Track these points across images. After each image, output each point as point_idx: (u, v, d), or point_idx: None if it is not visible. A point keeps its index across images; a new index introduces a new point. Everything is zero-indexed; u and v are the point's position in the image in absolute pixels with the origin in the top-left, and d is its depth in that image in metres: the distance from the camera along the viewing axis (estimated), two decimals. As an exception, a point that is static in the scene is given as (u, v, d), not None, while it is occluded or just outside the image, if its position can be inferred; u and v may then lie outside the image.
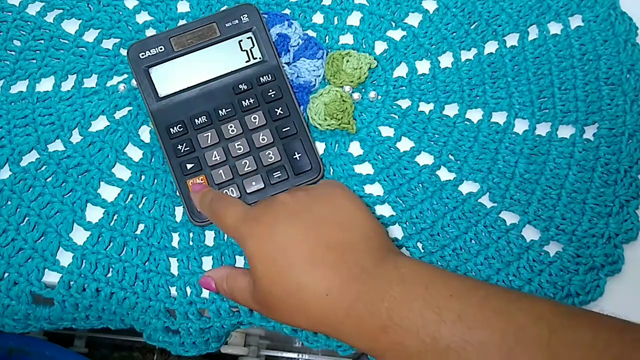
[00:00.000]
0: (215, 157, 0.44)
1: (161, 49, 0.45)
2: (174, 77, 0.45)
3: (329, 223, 0.36)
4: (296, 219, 0.36)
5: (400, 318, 0.32)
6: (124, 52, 0.48)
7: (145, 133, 0.47)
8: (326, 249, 0.35)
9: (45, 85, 0.48)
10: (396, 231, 0.44)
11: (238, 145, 0.44)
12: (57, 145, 0.46)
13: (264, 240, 0.36)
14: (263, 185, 0.43)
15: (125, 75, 0.48)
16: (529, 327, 0.30)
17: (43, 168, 0.45)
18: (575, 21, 0.49)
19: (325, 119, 0.45)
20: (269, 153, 0.44)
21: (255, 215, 0.37)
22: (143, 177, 0.45)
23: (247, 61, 0.45)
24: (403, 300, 0.33)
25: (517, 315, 0.31)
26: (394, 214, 0.45)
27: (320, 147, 0.46)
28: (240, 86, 0.45)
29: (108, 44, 0.49)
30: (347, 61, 0.47)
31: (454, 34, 0.49)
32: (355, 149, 0.46)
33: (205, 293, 0.43)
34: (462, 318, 0.31)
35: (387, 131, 0.47)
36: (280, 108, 0.45)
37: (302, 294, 0.34)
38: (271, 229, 0.36)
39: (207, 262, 0.43)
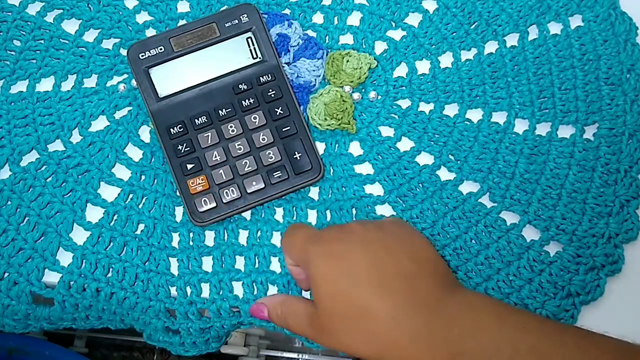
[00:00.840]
0: (215, 157, 0.44)
1: (161, 49, 0.45)
2: (174, 77, 0.45)
3: (398, 253, 0.36)
4: (367, 246, 0.36)
5: (473, 344, 0.32)
6: (124, 52, 0.48)
7: (145, 133, 0.47)
8: (395, 276, 0.35)
9: (45, 85, 0.48)
10: (396, 231, 0.44)
11: (238, 145, 0.44)
12: (57, 145, 0.46)
13: (333, 260, 0.36)
14: (263, 185, 0.43)
15: (125, 75, 0.48)
16: None
17: (43, 168, 0.45)
18: (575, 21, 0.49)
19: (325, 119, 0.45)
20: (269, 153, 0.44)
21: (326, 237, 0.37)
22: (143, 177, 0.45)
23: (247, 61, 0.45)
24: (475, 328, 0.33)
25: (590, 350, 0.31)
26: (395, 214, 0.45)
27: (320, 147, 0.46)
28: (240, 86, 0.45)
29: (108, 44, 0.49)
30: (347, 61, 0.47)
31: (454, 34, 0.49)
32: (355, 149, 0.46)
33: (206, 293, 0.43)
34: (536, 350, 0.32)
35: (387, 131, 0.47)
36: (280, 108, 0.45)
37: (367, 317, 0.34)
38: (341, 251, 0.36)
39: (207, 262, 0.43)
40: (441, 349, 0.33)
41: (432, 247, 0.39)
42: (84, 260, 0.43)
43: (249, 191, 0.43)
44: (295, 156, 0.44)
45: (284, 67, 0.46)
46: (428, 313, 0.34)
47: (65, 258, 0.43)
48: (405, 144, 0.46)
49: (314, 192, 0.45)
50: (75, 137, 0.46)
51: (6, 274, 0.43)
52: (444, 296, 0.35)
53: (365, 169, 0.46)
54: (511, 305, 0.38)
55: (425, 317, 0.34)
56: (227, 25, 0.45)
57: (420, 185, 0.45)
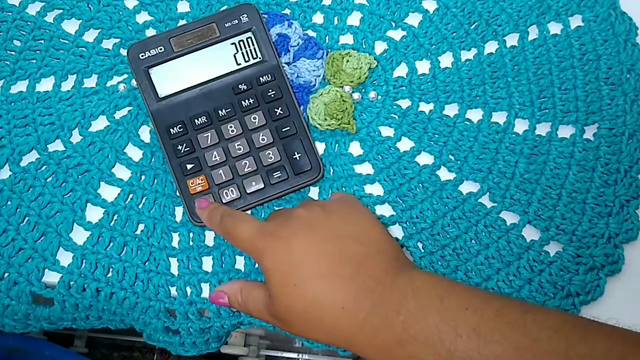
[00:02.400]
0: (215, 157, 0.44)
1: (161, 49, 0.45)
2: (173, 77, 0.45)
3: (344, 236, 0.37)
4: (313, 232, 0.37)
5: (416, 331, 0.32)
6: (124, 52, 0.48)
7: (145, 133, 0.47)
8: (342, 261, 0.35)
9: (45, 85, 0.48)
10: (396, 231, 0.44)
11: (238, 145, 0.44)
12: (57, 145, 0.46)
13: (281, 254, 0.36)
14: (263, 186, 0.43)
15: (125, 75, 0.48)
16: (544, 341, 0.30)
17: (43, 168, 0.45)
18: (575, 21, 0.49)
19: (325, 119, 0.45)
20: (269, 153, 0.44)
21: (271, 230, 0.37)
22: (143, 177, 0.45)
23: (247, 61, 0.45)
24: (419, 314, 0.33)
25: (532, 329, 0.31)
26: (394, 213, 0.45)
27: (320, 147, 0.46)
28: (240, 86, 0.45)
29: (108, 44, 0.49)
30: (347, 61, 0.47)
31: (454, 34, 0.49)
32: (355, 149, 0.46)
33: (206, 293, 0.43)
34: (478, 331, 0.31)
35: (387, 131, 0.47)
36: (280, 108, 0.45)
37: (318, 308, 0.35)
38: (288, 243, 0.36)
39: (207, 262, 0.43)
40: (388, 335, 0.33)
41: (380, 225, 0.38)
42: (84, 260, 0.43)
43: (248, 191, 0.43)
44: (295, 156, 0.44)
45: (284, 67, 0.46)
46: (374, 299, 0.34)
47: (65, 258, 0.43)
48: (405, 144, 0.46)
49: (314, 192, 0.45)
50: (75, 137, 0.46)
51: (6, 274, 0.43)
52: (391, 279, 0.35)
53: (365, 169, 0.46)
54: (459, 283, 0.37)
55: (370, 304, 0.34)
56: (227, 25, 0.45)
57: (420, 185, 0.45)
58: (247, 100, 0.44)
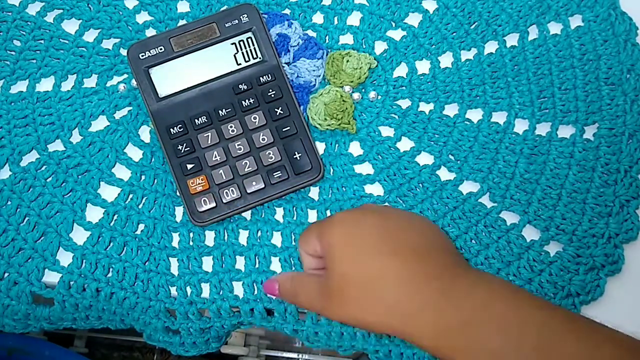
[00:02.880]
0: (215, 157, 0.44)
1: (161, 49, 0.45)
2: (174, 77, 0.45)
3: (412, 229, 0.37)
4: (381, 217, 0.37)
5: (485, 316, 0.32)
6: (124, 52, 0.48)
7: (145, 133, 0.47)
8: (407, 247, 0.35)
9: (45, 85, 0.48)
10: (396, 231, 0.44)
11: (238, 145, 0.44)
12: (57, 145, 0.46)
13: (350, 227, 0.36)
14: (263, 185, 0.43)
15: (125, 75, 0.48)
16: (608, 350, 0.31)
17: (43, 168, 0.45)
18: (575, 21, 0.49)
19: (325, 119, 0.45)
20: (269, 153, 0.44)
21: (340, 213, 0.38)
22: (143, 177, 0.45)
23: (247, 61, 0.45)
24: (489, 300, 0.33)
25: (603, 346, 0.32)
26: (394, 214, 0.45)
27: (320, 147, 0.46)
28: (240, 86, 0.45)
29: (108, 44, 0.49)
30: (347, 61, 0.47)
31: (454, 34, 0.49)
32: (355, 149, 0.46)
33: (206, 293, 0.43)
34: (547, 327, 0.32)
35: (387, 131, 0.47)
36: (280, 108, 0.45)
37: (380, 283, 0.34)
38: (358, 218, 0.37)
39: (207, 262, 0.43)
40: (453, 317, 0.33)
41: (444, 233, 0.39)
42: (84, 260, 0.43)
43: (249, 191, 0.43)
44: (295, 156, 0.44)
45: (284, 67, 0.46)
46: (442, 282, 0.34)
47: (65, 258, 0.43)
48: (405, 144, 0.46)
49: (314, 192, 0.45)
50: (75, 137, 0.46)
51: (6, 274, 0.43)
52: (458, 270, 0.35)
53: (365, 169, 0.46)
54: (524, 289, 0.38)
55: (439, 285, 0.34)
56: (227, 25, 0.45)
57: (420, 185, 0.45)
58: (247, 100, 0.44)
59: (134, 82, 0.47)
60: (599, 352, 0.31)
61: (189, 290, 0.43)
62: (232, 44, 0.45)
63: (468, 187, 0.45)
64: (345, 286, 0.35)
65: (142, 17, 0.49)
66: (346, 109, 0.46)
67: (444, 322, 0.33)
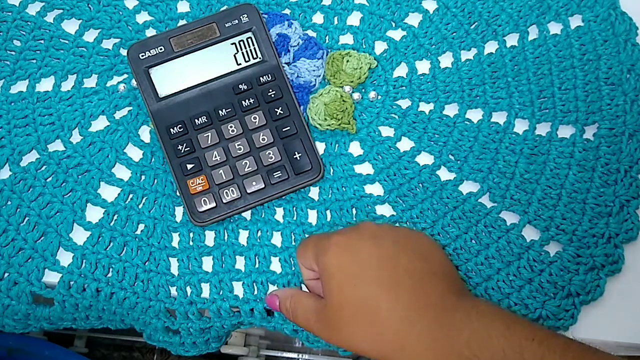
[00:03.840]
0: (215, 157, 0.44)
1: (161, 49, 0.45)
2: (174, 77, 0.45)
3: (410, 251, 0.37)
4: (378, 241, 0.37)
5: (481, 350, 0.32)
6: (124, 52, 0.48)
7: (145, 133, 0.47)
8: (405, 273, 0.35)
9: (45, 85, 0.48)
10: (396, 231, 0.44)
11: (238, 145, 0.44)
12: (57, 145, 0.46)
13: (344, 253, 0.36)
14: (263, 185, 0.43)
15: (125, 75, 0.48)
16: None
17: (43, 168, 0.45)
18: (575, 21, 0.49)
19: (325, 119, 0.45)
20: (269, 153, 0.44)
21: (338, 233, 0.38)
22: (143, 177, 0.45)
23: (247, 61, 0.45)
24: (484, 334, 0.33)
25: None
26: (394, 214, 0.44)
27: (320, 147, 0.46)
28: (240, 86, 0.45)
29: (108, 44, 0.49)
30: (347, 61, 0.47)
31: (454, 34, 0.49)
32: (355, 149, 0.46)
33: (206, 293, 0.43)
34: None
35: (387, 131, 0.47)
36: (280, 108, 0.45)
37: (374, 309, 0.34)
38: (352, 244, 0.36)
39: (207, 262, 0.43)
40: (447, 351, 0.33)
41: (443, 252, 0.39)
42: (84, 260, 0.43)
43: (249, 191, 0.43)
44: (295, 156, 0.44)
45: (284, 67, 0.46)
46: (436, 312, 0.34)
47: (65, 258, 0.43)
48: (405, 144, 0.46)
49: (314, 192, 0.45)
50: (75, 137, 0.46)
51: (6, 274, 0.43)
52: (454, 300, 0.35)
53: (365, 169, 0.46)
54: (519, 315, 0.38)
55: (433, 317, 0.34)
56: (227, 25, 0.45)
57: (420, 185, 0.45)
58: (247, 100, 0.44)
59: (134, 82, 0.47)
60: None
61: (189, 290, 0.43)
62: (232, 44, 0.45)
63: (468, 187, 0.45)
64: (340, 315, 0.35)
65: (142, 17, 0.49)
66: (346, 109, 0.46)
67: (438, 354, 0.33)
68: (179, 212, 0.45)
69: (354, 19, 0.49)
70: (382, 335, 0.34)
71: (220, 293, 0.43)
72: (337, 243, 0.37)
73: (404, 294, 0.34)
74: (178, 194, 0.44)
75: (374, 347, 0.35)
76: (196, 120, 0.44)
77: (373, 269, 0.35)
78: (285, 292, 0.41)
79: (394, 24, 0.49)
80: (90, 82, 0.48)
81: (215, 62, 0.45)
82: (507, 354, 0.32)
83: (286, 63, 0.47)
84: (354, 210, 0.45)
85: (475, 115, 0.47)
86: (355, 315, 0.35)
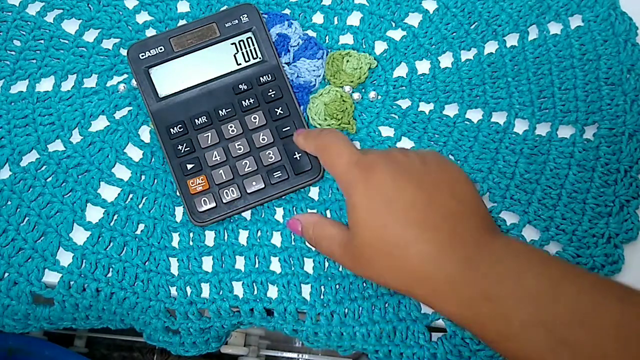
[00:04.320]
0: (215, 157, 0.44)
1: (161, 49, 0.45)
2: (174, 77, 0.45)
3: (442, 190, 0.35)
4: (410, 178, 0.35)
5: (510, 290, 0.31)
6: (124, 52, 0.48)
7: (145, 133, 0.47)
8: (435, 211, 0.34)
9: (45, 85, 0.48)
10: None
11: (238, 145, 0.44)
12: (57, 145, 0.46)
13: (375, 189, 0.35)
14: (263, 185, 0.43)
15: (125, 75, 0.48)
16: None
17: (43, 168, 0.45)
18: (575, 21, 0.49)
19: (325, 119, 0.45)
20: (269, 153, 0.44)
21: (370, 164, 0.36)
22: (143, 177, 0.45)
23: (247, 61, 0.45)
24: (516, 272, 0.32)
25: (635, 306, 0.30)
26: (394, 214, 0.44)
27: (320, 147, 0.46)
28: (240, 86, 0.45)
29: (108, 44, 0.49)
30: (347, 61, 0.47)
31: (454, 34, 0.49)
32: (416, 149, 0.46)
33: (206, 293, 0.43)
34: (578, 300, 0.31)
35: (387, 131, 0.47)
36: (280, 108, 0.45)
37: (404, 249, 0.33)
38: (384, 180, 0.35)
39: (207, 262, 0.43)
40: (477, 288, 0.32)
41: (474, 187, 0.37)
42: (84, 260, 0.43)
43: (249, 191, 0.43)
44: (295, 156, 0.44)
45: (284, 67, 0.46)
46: (466, 251, 0.33)
47: (65, 258, 0.43)
48: (405, 144, 0.46)
49: (314, 192, 0.45)
50: (75, 137, 0.46)
51: (6, 274, 0.43)
52: (487, 237, 0.34)
53: (365, 169, 0.46)
54: (555, 256, 0.36)
55: (463, 256, 0.33)
56: (227, 25, 0.45)
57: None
58: (247, 100, 0.44)
59: (134, 82, 0.47)
60: (630, 316, 0.30)
61: (189, 290, 0.43)
62: (232, 44, 0.45)
63: (468, 187, 0.45)
64: (367, 252, 0.34)
65: (142, 17, 0.49)
66: (346, 109, 0.46)
67: (468, 294, 0.32)
68: (179, 212, 0.45)
69: (354, 19, 0.49)
70: (410, 274, 0.33)
71: (220, 293, 0.43)
72: (368, 182, 0.35)
73: (434, 234, 0.33)
74: (178, 194, 0.44)
75: (403, 286, 0.34)
76: (196, 120, 0.44)
77: (403, 211, 0.34)
78: (308, 218, 0.40)
79: (394, 24, 0.49)
80: (90, 82, 0.48)
81: (215, 62, 0.45)
82: (540, 293, 0.31)
83: (286, 63, 0.47)
84: (354, 210, 0.45)
85: (475, 115, 0.47)
86: (383, 255, 0.34)
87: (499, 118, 0.47)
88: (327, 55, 0.48)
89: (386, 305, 0.42)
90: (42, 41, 0.48)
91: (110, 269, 0.43)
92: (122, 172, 0.46)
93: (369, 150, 0.38)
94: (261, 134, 0.44)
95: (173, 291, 0.43)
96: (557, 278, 0.32)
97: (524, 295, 0.31)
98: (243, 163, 0.44)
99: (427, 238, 0.33)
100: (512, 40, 0.49)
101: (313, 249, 0.42)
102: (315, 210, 0.45)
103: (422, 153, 0.38)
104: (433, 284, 0.33)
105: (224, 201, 0.43)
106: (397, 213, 0.34)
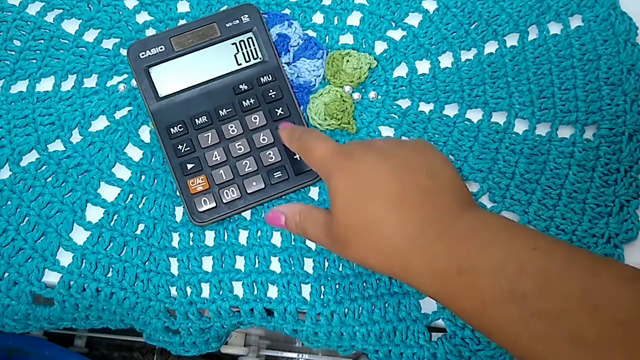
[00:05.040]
0: (215, 157, 0.44)
1: (161, 48, 0.45)
2: (174, 77, 0.45)
3: (418, 169, 0.36)
4: (387, 160, 0.36)
5: (480, 262, 0.32)
6: (124, 52, 0.48)
7: (145, 133, 0.47)
8: (411, 190, 0.35)
9: (45, 85, 0.48)
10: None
11: (238, 145, 0.44)
12: (57, 145, 0.46)
13: (352, 173, 0.36)
14: (263, 186, 0.43)
15: (125, 75, 0.48)
16: (614, 286, 0.30)
17: (43, 168, 0.45)
18: (575, 21, 0.49)
19: (325, 119, 0.45)
20: (270, 153, 0.44)
21: (347, 151, 0.37)
22: (143, 177, 0.45)
23: (247, 61, 0.45)
24: (485, 245, 0.32)
25: (603, 274, 0.30)
26: (394, 214, 0.44)
27: (320, 147, 0.46)
28: (240, 86, 0.45)
29: (108, 44, 0.49)
30: (347, 61, 0.47)
31: (454, 34, 0.49)
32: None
33: (206, 293, 0.43)
34: (546, 270, 0.31)
35: (387, 131, 0.47)
36: (280, 108, 0.45)
37: (380, 229, 0.34)
38: (361, 164, 0.36)
39: (207, 262, 0.43)
40: (448, 262, 0.32)
41: (452, 166, 0.38)
42: (84, 260, 0.43)
43: (249, 191, 0.43)
44: (295, 156, 0.44)
45: (284, 67, 0.46)
46: (439, 227, 0.34)
47: (65, 258, 0.43)
48: (405, 144, 0.46)
49: (314, 192, 0.45)
50: (75, 137, 0.46)
51: (6, 274, 0.43)
52: (459, 212, 0.35)
53: (365, 169, 0.46)
54: (529, 227, 0.37)
55: (435, 231, 0.33)
56: (227, 25, 0.45)
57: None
58: (247, 101, 0.44)
59: (134, 82, 0.47)
60: (598, 283, 0.30)
61: (189, 290, 0.43)
62: (233, 44, 0.45)
63: (468, 186, 0.45)
64: (347, 234, 0.35)
65: (142, 17, 0.49)
66: (346, 109, 0.46)
67: (439, 268, 0.33)
68: (179, 212, 0.45)
69: (354, 19, 0.49)
70: (386, 252, 0.34)
71: (220, 293, 0.43)
72: (345, 168, 0.36)
73: (408, 209, 0.34)
74: (178, 194, 0.44)
75: (382, 264, 0.35)
76: (196, 120, 0.44)
77: (378, 188, 0.35)
78: (292, 208, 0.40)
79: (394, 24, 0.49)
80: (90, 82, 0.48)
81: (215, 62, 0.45)
82: (506, 263, 0.31)
83: (286, 63, 0.47)
84: (354, 210, 0.45)
85: (475, 115, 0.47)
86: (360, 234, 0.35)
87: (499, 118, 0.47)
88: (327, 55, 0.48)
89: (386, 305, 0.42)
90: (42, 41, 0.48)
91: (110, 269, 0.43)
92: (122, 172, 0.46)
93: (350, 142, 0.40)
94: (261, 134, 0.44)
95: (173, 291, 0.43)
96: (524, 249, 0.32)
97: (492, 268, 0.32)
98: (243, 163, 0.44)
99: (403, 216, 0.34)
100: (512, 40, 0.49)
101: (313, 247, 0.42)
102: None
103: (404, 139, 0.39)
104: (408, 260, 0.34)
105: (224, 201, 0.43)
106: (374, 193, 0.35)
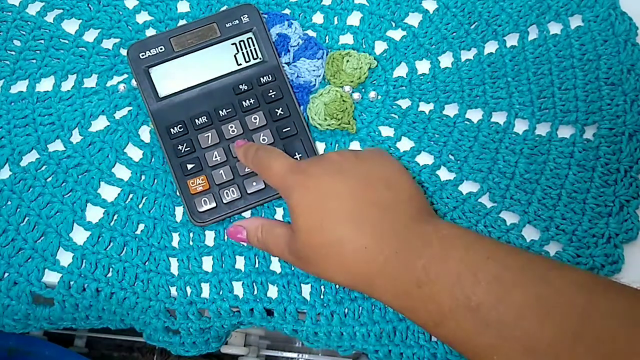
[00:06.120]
0: (215, 157, 0.44)
1: (161, 49, 0.45)
2: (174, 77, 0.45)
3: (375, 182, 0.36)
4: (344, 175, 0.36)
5: (436, 275, 0.32)
6: (124, 52, 0.48)
7: (145, 133, 0.47)
8: (369, 205, 0.35)
9: (45, 85, 0.48)
10: (396, 231, 0.44)
11: (238, 145, 0.44)
12: (57, 145, 0.46)
13: (310, 191, 0.36)
14: (263, 186, 0.43)
15: (125, 75, 0.48)
16: (567, 293, 0.30)
17: (43, 168, 0.45)
18: (575, 21, 0.49)
19: (325, 119, 0.45)
20: (269, 153, 0.44)
21: (304, 168, 0.37)
22: (143, 177, 0.45)
23: (247, 61, 0.45)
24: (440, 259, 0.33)
25: (556, 282, 0.31)
26: (394, 214, 0.44)
27: (320, 147, 0.46)
28: (240, 86, 0.45)
29: (108, 44, 0.49)
30: (347, 61, 0.47)
31: (454, 34, 0.49)
32: (355, 149, 0.46)
33: (206, 293, 0.43)
34: (498, 280, 0.31)
35: (387, 131, 0.47)
36: (280, 108, 0.45)
37: (340, 247, 0.34)
38: (318, 182, 0.36)
39: (207, 262, 0.43)
40: (407, 278, 0.33)
41: (409, 176, 0.38)
42: (84, 260, 0.43)
43: (249, 191, 0.43)
44: (295, 156, 0.44)
45: (284, 67, 0.46)
46: (398, 242, 0.34)
47: (65, 258, 0.43)
48: (405, 144, 0.46)
49: (314, 192, 0.45)
50: (75, 137, 0.46)
51: (6, 274, 0.43)
52: (417, 226, 0.35)
53: (365, 169, 0.46)
54: (486, 237, 0.37)
55: (393, 246, 0.34)
56: (227, 25, 0.45)
57: (420, 185, 0.45)
58: (247, 101, 0.45)
59: (134, 82, 0.47)
60: (551, 291, 0.30)
61: (189, 290, 0.43)
62: (233, 44, 0.45)
63: (468, 187, 0.45)
64: (309, 252, 0.36)
65: (142, 17, 0.49)
66: (346, 109, 0.46)
67: (400, 284, 0.33)
68: (179, 212, 0.45)
69: (354, 19, 0.49)
70: (348, 267, 0.35)
71: (220, 293, 0.43)
72: (302, 185, 0.36)
73: (368, 227, 0.34)
74: (178, 194, 0.44)
75: (347, 279, 0.35)
76: (196, 120, 0.44)
77: (338, 205, 0.35)
78: (253, 222, 0.40)
79: (394, 24, 0.49)
80: (90, 82, 0.48)
81: (215, 62, 0.45)
82: (461, 274, 0.32)
83: (286, 63, 0.47)
84: (354, 210, 0.45)
85: (475, 115, 0.47)
86: (323, 251, 0.35)
87: (499, 118, 0.47)
88: (327, 55, 0.48)
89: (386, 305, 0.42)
90: (42, 41, 0.48)
91: (110, 269, 0.43)
92: (122, 172, 0.46)
93: (306, 159, 0.40)
94: (261, 135, 0.44)
95: (173, 291, 0.43)
96: (478, 259, 0.32)
97: (448, 279, 0.32)
98: (243, 163, 0.44)
99: (362, 233, 0.34)
100: (512, 40, 0.49)
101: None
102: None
103: (359, 151, 0.39)
104: (370, 278, 0.34)
105: (224, 201, 0.43)
106: (332, 211, 0.35)
